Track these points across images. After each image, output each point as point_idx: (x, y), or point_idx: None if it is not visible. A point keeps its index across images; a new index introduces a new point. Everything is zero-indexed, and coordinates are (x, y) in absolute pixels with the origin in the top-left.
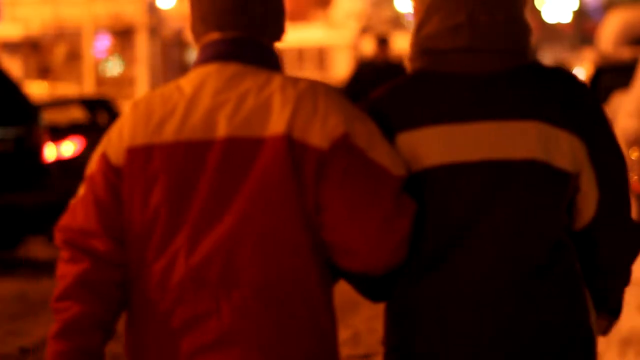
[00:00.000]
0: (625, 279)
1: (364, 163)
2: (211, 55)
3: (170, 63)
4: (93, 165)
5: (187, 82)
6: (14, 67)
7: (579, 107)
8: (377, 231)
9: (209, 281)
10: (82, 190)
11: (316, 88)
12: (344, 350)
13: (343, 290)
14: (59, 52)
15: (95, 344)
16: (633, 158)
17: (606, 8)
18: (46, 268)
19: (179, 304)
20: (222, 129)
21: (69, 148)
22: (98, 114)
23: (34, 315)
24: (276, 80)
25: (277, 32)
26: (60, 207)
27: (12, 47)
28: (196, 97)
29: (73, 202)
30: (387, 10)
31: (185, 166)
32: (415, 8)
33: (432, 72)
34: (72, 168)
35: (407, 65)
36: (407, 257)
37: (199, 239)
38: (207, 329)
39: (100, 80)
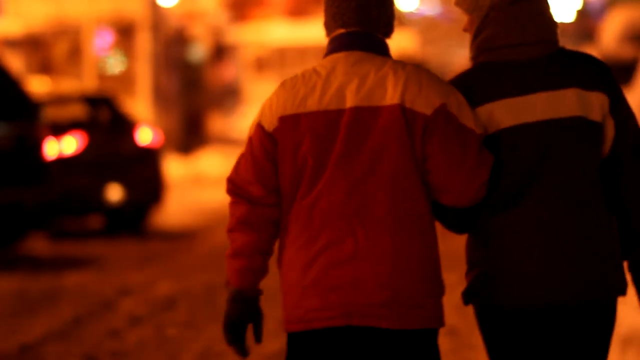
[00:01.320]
0: None
1: (456, 125)
2: (339, 45)
3: (171, 60)
4: (251, 131)
5: (322, 67)
6: (15, 63)
7: (604, 75)
8: (466, 176)
9: (347, 213)
10: (244, 149)
11: (419, 70)
12: None
13: None
14: (61, 49)
15: (257, 264)
16: None
17: (608, 6)
18: (46, 265)
19: (323, 229)
20: (350, 101)
21: (70, 145)
22: (99, 110)
23: (34, 312)
24: (388, 64)
25: (388, 31)
26: (60, 204)
27: (13, 43)
28: (329, 77)
29: (238, 158)
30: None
31: (324, 129)
32: (470, 20)
33: (491, 63)
34: (73, 165)
35: (470, 60)
36: (489, 195)
37: (339, 181)
38: (344, 247)
39: (102, 77)
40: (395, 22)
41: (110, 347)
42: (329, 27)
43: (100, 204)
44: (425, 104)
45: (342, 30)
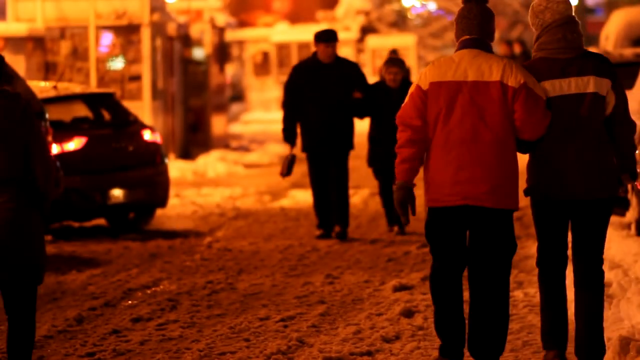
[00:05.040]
0: (630, 146)
1: (532, 94)
2: (466, 45)
3: (173, 58)
4: (412, 88)
5: (456, 56)
6: (19, 63)
7: (609, 68)
8: (537, 123)
9: (467, 139)
10: (407, 97)
11: (511, 62)
12: (346, 347)
13: (347, 290)
14: (63, 49)
15: (415, 166)
16: None
17: (608, 7)
18: (49, 264)
19: (453, 148)
20: (470, 77)
21: (72, 144)
22: (101, 109)
23: (38, 310)
24: (493, 57)
25: (492, 38)
26: (63, 203)
27: (16, 43)
28: (460, 62)
29: (403, 104)
30: (393, 5)
31: (454, 92)
32: (534, 24)
33: (545, 57)
34: (75, 163)
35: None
36: (545, 134)
37: (463, 121)
38: (465, 158)
39: (105, 76)
40: (495, 33)
41: (113, 347)
42: (458, 34)
43: (103, 204)
44: (514, 81)
45: (467, 36)
